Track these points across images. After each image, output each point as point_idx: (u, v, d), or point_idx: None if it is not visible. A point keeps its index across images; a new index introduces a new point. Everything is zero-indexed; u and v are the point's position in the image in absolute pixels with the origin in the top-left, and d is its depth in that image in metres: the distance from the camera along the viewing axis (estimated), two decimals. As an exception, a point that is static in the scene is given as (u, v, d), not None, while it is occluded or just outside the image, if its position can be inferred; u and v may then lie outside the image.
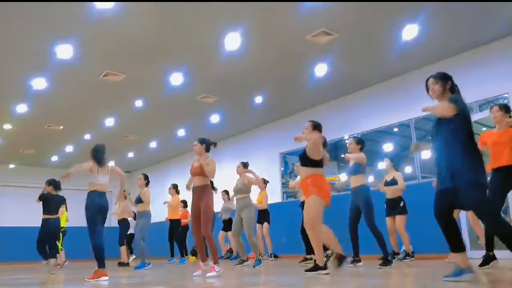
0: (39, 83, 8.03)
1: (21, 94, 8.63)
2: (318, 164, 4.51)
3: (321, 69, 7.99)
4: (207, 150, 5.36)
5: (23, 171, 14.90)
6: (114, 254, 10.24)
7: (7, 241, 13.50)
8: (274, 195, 9.91)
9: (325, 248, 5.95)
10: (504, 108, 4.59)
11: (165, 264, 9.28)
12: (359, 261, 5.80)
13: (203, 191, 5.15)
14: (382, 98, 8.81)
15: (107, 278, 4.96)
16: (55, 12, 5.77)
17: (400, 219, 6.76)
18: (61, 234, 9.15)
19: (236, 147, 12.41)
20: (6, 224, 13.90)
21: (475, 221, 5.62)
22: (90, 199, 5.22)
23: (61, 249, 9.48)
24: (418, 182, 7.97)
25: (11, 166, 14.93)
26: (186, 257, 10.45)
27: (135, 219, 9.48)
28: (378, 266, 5.36)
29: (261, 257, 9.44)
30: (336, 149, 9.64)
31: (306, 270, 4.63)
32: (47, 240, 7.19)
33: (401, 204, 6.83)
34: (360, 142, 6.03)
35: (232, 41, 6.70)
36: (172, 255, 10.13)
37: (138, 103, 9.41)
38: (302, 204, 7.06)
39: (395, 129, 8.73)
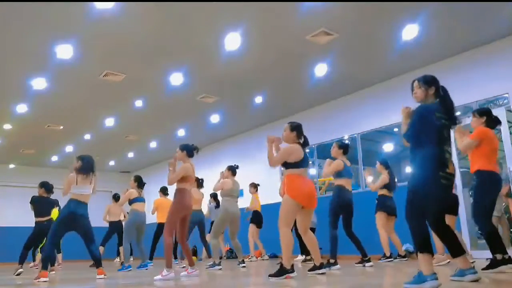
0: (39, 83, 8.03)
1: (21, 94, 8.63)
2: (292, 165, 4.40)
3: (321, 69, 7.99)
4: (190, 155, 5.32)
5: (23, 171, 14.90)
6: (112, 254, 10.28)
7: (7, 241, 13.48)
8: (274, 195, 9.87)
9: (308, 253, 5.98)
10: (478, 113, 4.54)
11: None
12: (369, 260, 5.82)
13: (175, 195, 5.16)
14: (382, 98, 8.81)
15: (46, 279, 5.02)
16: (55, 12, 5.77)
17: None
18: None
19: (236, 147, 12.41)
20: (6, 224, 13.91)
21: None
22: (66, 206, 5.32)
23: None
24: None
25: (11, 166, 14.94)
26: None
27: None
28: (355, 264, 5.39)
29: (262, 256, 9.50)
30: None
31: (270, 275, 4.27)
32: (40, 242, 7.11)
33: (376, 202, 6.88)
34: (343, 146, 6.08)
35: (232, 41, 6.70)
36: (151, 258, 9.21)
37: (138, 103, 9.41)
38: None
39: (395, 129, 8.73)
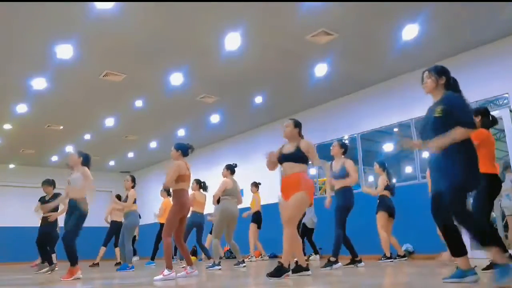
0: (39, 83, 8.03)
1: (21, 94, 8.62)
2: (307, 161, 4.50)
3: (321, 69, 7.99)
4: (184, 155, 5.28)
5: (23, 171, 14.89)
6: (110, 254, 10.27)
7: (7, 241, 13.50)
8: (274, 195, 9.88)
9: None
10: (474, 113, 4.51)
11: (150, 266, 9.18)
12: (360, 261, 5.81)
13: (174, 196, 5.15)
14: (382, 98, 8.80)
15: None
16: (55, 12, 5.76)
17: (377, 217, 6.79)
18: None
19: (236, 147, 12.41)
20: (6, 224, 13.90)
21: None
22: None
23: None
24: (418, 182, 7.97)
25: (11, 166, 14.93)
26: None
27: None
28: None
29: (262, 257, 9.49)
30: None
31: (268, 274, 4.19)
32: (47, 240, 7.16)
33: (377, 202, 6.86)
34: (344, 146, 6.07)
35: (232, 41, 6.70)
36: (153, 259, 9.50)
37: (138, 103, 9.41)
38: None
39: (395, 129, 8.73)
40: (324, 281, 3.96)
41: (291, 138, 4.56)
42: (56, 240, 7.66)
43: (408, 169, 8.36)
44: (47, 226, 7.11)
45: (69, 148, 13.06)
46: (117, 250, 9.45)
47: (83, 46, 6.76)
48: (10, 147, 12.71)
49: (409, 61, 7.83)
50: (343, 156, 6.01)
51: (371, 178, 9.78)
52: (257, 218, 9.17)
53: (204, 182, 8.23)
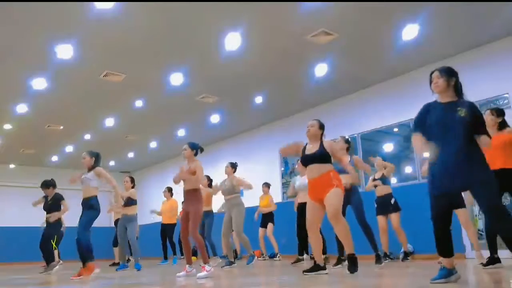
0: (39, 83, 8.03)
1: (21, 94, 8.62)
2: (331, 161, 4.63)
3: (321, 69, 7.99)
4: (196, 154, 5.44)
5: (23, 171, 14.89)
6: (109, 254, 10.29)
7: (7, 241, 13.50)
8: (274, 195, 9.90)
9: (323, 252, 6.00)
10: (496, 112, 4.60)
11: (163, 265, 9.25)
12: (344, 260, 5.80)
13: (192, 195, 5.18)
14: (382, 98, 8.81)
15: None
16: (55, 12, 5.77)
17: (394, 217, 6.74)
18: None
19: (236, 147, 12.41)
20: (6, 224, 13.91)
21: (468, 223, 5.75)
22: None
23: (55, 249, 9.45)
24: (418, 182, 7.97)
25: (11, 166, 14.93)
26: (178, 256, 10.32)
27: None
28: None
29: (263, 257, 9.48)
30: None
31: (305, 271, 4.56)
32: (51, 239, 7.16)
33: (392, 201, 6.81)
34: (348, 142, 6.08)
35: (232, 41, 6.70)
36: (166, 258, 9.72)
37: (138, 103, 9.41)
38: (299, 207, 7.05)
39: (395, 129, 8.73)
40: (324, 281, 3.95)
41: (313, 138, 4.60)
42: (60, 238, 7.66)
43: (408, 169, 8.36)
44: (51, 228, 7.11)
45: (69, 148, 13.07)
46: (116, 249, 9.43)
47: (83, 46, 6.76)
48: (10, 147, 12.70)
49: (409, 61, 7.84)
50: (347, 152, 5.99)
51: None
52: (271, 217, 9.19)
53: (212, 180, 8.32)
